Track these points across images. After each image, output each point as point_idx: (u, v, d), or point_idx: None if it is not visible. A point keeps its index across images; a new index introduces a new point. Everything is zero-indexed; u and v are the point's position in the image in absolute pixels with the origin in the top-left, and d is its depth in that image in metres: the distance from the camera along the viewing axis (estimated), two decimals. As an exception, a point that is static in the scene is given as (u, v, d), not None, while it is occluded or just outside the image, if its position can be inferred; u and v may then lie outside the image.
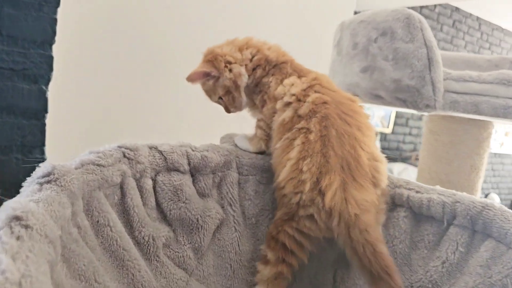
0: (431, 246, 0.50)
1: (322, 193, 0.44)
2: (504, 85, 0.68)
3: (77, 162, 0.38)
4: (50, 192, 0.32)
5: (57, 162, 0.37)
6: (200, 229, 0.47)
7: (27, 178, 0.35)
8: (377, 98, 0.78)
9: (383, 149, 3.78)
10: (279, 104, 0.53)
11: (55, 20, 0.66)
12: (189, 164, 0.48)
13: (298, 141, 0.49)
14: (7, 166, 0.63)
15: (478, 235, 0.47)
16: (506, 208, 0.46)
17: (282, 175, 0.48)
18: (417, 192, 0.52)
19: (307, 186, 0.45)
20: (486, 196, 4.29)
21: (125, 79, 1.02)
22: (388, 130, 3.86)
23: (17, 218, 0.26)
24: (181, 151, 0.48)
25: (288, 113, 0.52)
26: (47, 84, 0.67)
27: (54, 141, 0.69)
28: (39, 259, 0.25)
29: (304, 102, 0.52)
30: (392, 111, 3.76)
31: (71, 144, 0.85)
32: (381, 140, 3.71)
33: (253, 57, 0.56)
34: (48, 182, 0.33)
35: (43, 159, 0.64)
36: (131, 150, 0.43)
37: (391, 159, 3.75)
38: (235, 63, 0.55)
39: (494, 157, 4.81)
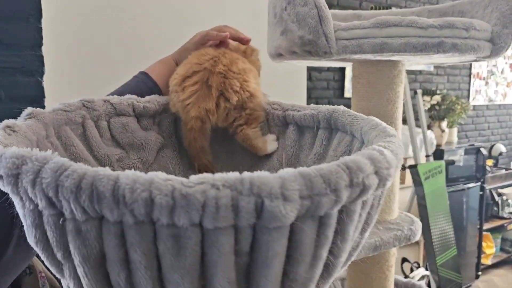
0: (310, 146, 0.71)
1: (183, 91, 0.67)
2: (378, 27, 0.87)
3: (50, 110, 0.61)
4: (30, 121, 0.55)
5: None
6: (145, 148, 0.69)
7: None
8: (294, 54, 0.98)
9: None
10: None
11: (40, 28, 0.92)
12: (133, 111, 0.71)
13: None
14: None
15: (333, 131, 0.67)
16: (347, 109, 0.66)
17: None
18: (298, 111, 0.73)
19: (176, 80, 0.70)
20: (492, 146, 4.34)
21: (104, 67, 1.27)
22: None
23: (8, 127, 0.49)
24: (128, 102, 0.70)
25: None
26: (41, 76, 0.93)
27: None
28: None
29: None
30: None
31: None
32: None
33: None
34: (29, 118, 0.56)
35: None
36: (88, 101, 0.66)
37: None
38: None
39: (499, 109, 4.82)
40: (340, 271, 0.49)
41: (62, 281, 0.43)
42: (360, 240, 0.47)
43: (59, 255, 0.37)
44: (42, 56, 0.97)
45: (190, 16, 1.49)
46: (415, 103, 2.69)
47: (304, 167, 0.35)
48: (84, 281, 0.36)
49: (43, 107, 0.97)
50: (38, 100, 0.97)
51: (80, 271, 0.36)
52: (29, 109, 0.56)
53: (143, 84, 0.79)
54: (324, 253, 0.38)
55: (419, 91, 2.67)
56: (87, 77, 1.26)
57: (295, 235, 0.35)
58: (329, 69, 3.04)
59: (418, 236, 1.05)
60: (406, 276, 2.38)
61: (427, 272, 2.41)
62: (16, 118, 0.90)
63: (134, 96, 0.73)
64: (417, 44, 0.84)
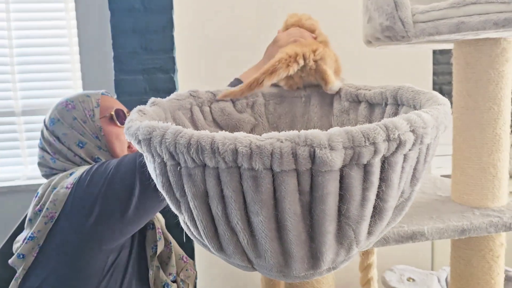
0: (379, 121, 0.79)
1: None
2: (454, 7, 0.90)
3: (166, 99, 0.79)
4: (154, 107, 0.73)
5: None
6: (239, 128, 0.84)
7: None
8: (378, 40, 1.05)
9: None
10: None
11: (172, 36, 1.17)
12: (229, 96, 0.87)
13: None
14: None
15: (399, 106, 0.75)
16: (411, 85, 0.73)
17: None
18: (369, 90, 0.82)
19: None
20: None
21: (222, 66, 1.50)
22: None
23: (140, 110, 0.67)
24: (224, 89, 0.87)
25: None
26: (174, 73, 1.20)
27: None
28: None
29: None
30: None
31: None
32: None
33: None
34: (153, 105, 0.74)
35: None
36: (194, 91, 0.83)
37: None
38: None
39: None
40: (396, 222, 0.58)
41: (180, 217, 0.59)
42: (412, 192, 0.55)
43: (177, 194, 0.53)
44: (174, 58, 1.30)
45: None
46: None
47: (350, 127, 0.46)
48: (194, 212, 0.52)
49: None
50: (171, 91, 1.26)
51: (191, 205, 0.51)
52: (152, 99, 0.75)
53: None
54: (372, 196, 0.49)
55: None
56: (208, 73, 1.62)
57: (345, 179, 0.46)
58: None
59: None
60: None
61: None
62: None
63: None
64: (498, 20, 0.85)
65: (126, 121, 0.60)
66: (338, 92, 0.86)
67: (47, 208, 0.85)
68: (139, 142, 0.53)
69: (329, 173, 0.45)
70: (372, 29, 1.03)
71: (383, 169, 0.48)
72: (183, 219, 0.57)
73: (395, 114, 0.75)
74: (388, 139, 0.45)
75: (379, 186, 0.49)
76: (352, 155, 0.45)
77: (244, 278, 1.74)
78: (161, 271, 0.97)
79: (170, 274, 0.98)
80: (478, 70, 1.06)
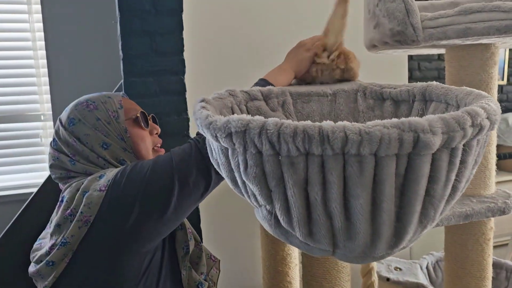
0: (406, 117, 0.86)
1: None
2: (462, 15, 1.00)
3: (211, 97, 0.80)
4: (208, 105, 0.74)
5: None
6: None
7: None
8: (386, 44, 1.13)
9: (501, 101, 3.55)
10: None
11: (182, 39, 1.18)
12: (262, 95, 0.89)
13: None
14: (171, 123, 1.15)
15: (427, 102, 0.82)
16: (439, 83, 0.80)
17: None
18: (394, 88, 0.88)
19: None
20: None
21: (231, 68, 1.53)
22: (503, 82, 3.66)
23: (203, 107, 0.69)
24: (256, 89, 0.90)
25: None
26: (183, 75, 1.20)
27: (191, 107, 1.19)
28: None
29: None
30: (505, 62, 3.60)
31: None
32: (498, 93, 3.43)
33: None
34: (206, 103, 0.76)
35: (188, 116, 1.18)
36: (232, 91, 0.85)
37: (508, 110, 3.51)
38: None
39: None
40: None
41: (260, 209, 0.61)
42: (471, 175, 0.62)
43: (272, 184, 0.55)
44: (183, 60, 1.30)
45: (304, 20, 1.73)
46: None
47: (442, 114, 0.51)
48: (291, 200, 0.54)
49: (184, 98, 1.26)
50: (181, 93, 1.28)
51: (290, 193, 0.54)
52: (202, 97, 0.76)
53: None
54: (453, 177, 0.54)
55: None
56: (217, 75, 1.66)
57: (436, 161, 0.52)
58: (439, 57, 2.98)
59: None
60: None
61: None
62: (166, 107, 1.16)
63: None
64: (500, 27, 0.96)
65: (203, 117, 0.61)
66: (363, 91, 0.93)
67: (81, 212, 0.83)
68: (229, 134, 0.55)
69: (426, 156, 0.50)
70: (381, 34, 1.11)
71: (463, 152, 0.54)
72: (269, 209, 0.59)
73: (423, 110, 0.82)
74: (473, 125, 0.51)
75: (458, 168, 0.55)
76: (446, 139, 0.50)
77: (244, 277, 1.75)
78: (193, 271, 0.97)
79: (201, 273, 0.99)
80: (471, 72, 1.17)
